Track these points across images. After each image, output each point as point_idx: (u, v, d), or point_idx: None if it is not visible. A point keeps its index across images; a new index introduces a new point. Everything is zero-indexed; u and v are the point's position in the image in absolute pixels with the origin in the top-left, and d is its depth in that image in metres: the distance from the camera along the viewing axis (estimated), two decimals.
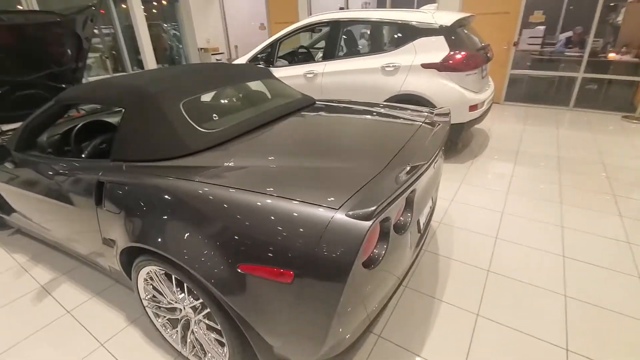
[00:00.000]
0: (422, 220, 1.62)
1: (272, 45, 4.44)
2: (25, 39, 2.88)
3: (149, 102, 1.59)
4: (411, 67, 3.38)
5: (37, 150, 2.06)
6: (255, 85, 2.32)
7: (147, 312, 1.61)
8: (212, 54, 8.20)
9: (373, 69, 3.59)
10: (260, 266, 1.07)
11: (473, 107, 3.35)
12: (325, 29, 4.19)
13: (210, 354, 1.45)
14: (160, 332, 1.61)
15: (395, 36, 3.56)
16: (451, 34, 3.30)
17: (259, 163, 1.39)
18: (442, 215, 2.66)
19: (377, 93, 3.62)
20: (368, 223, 0.99)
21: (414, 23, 3.40)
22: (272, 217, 1.08)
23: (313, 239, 1.01)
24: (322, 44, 4.53)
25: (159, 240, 1.24)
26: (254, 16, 9.12)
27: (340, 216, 1.01)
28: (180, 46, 8.75)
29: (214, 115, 1.79)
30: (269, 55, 4.45)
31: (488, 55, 3.73)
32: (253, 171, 1.33)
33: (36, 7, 5.88)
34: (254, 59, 4.65)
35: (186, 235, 1.20)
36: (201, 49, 8.23)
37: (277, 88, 2.36)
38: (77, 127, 2.18)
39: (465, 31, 3.60)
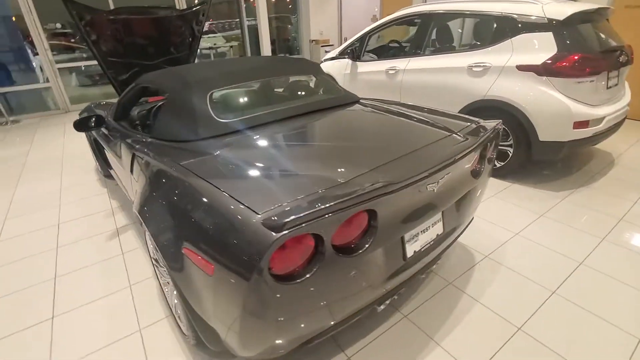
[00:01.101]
0: (416, 249, 1.40)
1: (362, 39, 4.35)
2: (152, 31, 3.52)
3: (183, 91, 1.79)
4: (504, 69, 2.86)
5: (126, 122, 2.55)
6: (296, 79, 2.34)
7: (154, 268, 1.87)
8: (322, 46, 8.51)
9: (458, 68, 3.17)
10: (195, 252, 1.12)
11: (581, 124, 2.65)
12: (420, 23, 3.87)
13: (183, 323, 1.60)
14: (161, 287, 1.84)
15: (492, 31, 3.04)
16: (564, 30, 2.64)
17: (241, 155, 1.43)
18: (493, 247, 2.22)
19: (458, 97, 3.20)
20: (274, 235, 0.92)
21: (516, 16, 2.84)
22: (212, 208, 1.10)
23: (232, 238, 1.00)
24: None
25: (145, 210, 1.42)
26: (370, 7, 9.04)
27: (256, 222, 0.97)
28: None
29: (237, 106, 1.89)
30: (358, 49, 4.39)
31: (621, 59, 2.86)
32: (228, 162, 1.38)
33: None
34: (343, 52, 4.65)
35: (158, 210, 1.33)
36: (312, 40, 8.63)
37: (320, 84, 2.33)
38: (152, 107, 2.61)
39: (591, 28, 2.83)
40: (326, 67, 5.01)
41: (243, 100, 2.13)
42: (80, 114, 3.36)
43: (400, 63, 3.75)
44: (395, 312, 1.77)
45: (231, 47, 7.93)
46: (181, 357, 1.59)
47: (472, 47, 3.18)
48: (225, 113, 1.82)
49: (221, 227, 1.05)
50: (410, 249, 1.39)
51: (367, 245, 1.16)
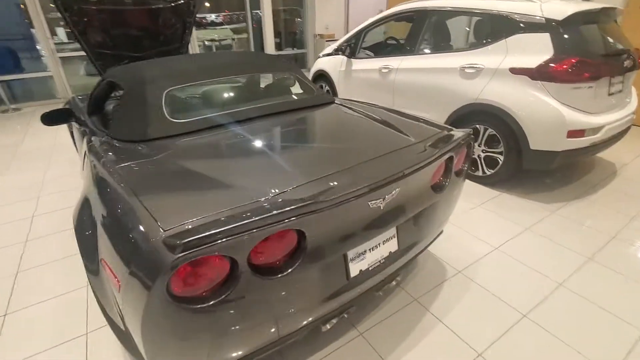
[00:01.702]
0: (363, 268, 1.30)
1: (358, 35, 4.21)
2: (142, 22, 3.46)
3: (137, 87, 1.70)
4: (496, 71, 2.69)
5: (97, 117, 2.49)
6: (265, 77, 2.24)
7: None
8: (327, 41, 8.34)
9: (450, 69, 3.01)
10: (107, 263, 1.04)
11: (576, 133, 2.47)
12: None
13: None
14: None
15: (486, 31, 2.86)
16: (563, 31, 2.46)
17: (181, 160, 1.34)
18: (468, 262, 2.10)
19: (448, 99, 3.05)
20: (171, 256, 0.83)
21: (512, 14, 2.66)
22: (124, 219, 1.02)
23: (135, 254, 0.92)
24: None
25: (77, 215, 1.35)
26: (379, 1, 8.79)
27: (158, 239, 0.88)
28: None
29: (195, 105, 1.81)
30: (353, 46, 4.24)
31: (626, 63, 2.65)
32: (164, 167, 1.30)
33: None
34: (338, 49, 4.51)
35: (86, 215, 1.26)
36: (317, 35, 8.47)
37: (290, 84, 2.22)
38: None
39: (597, 29, 2.63)
40: (321, 63, 4.88)
41: (203, 99, 2.04)
42: (63, 106, 3.33)
43: (393, 62, 3.60)
44: (351, 329, 1.68)
45: (233, 39, 7.84)
46: None
47: (465, 47, 3.01)
48: (181, 113, 1.73)
49: (128, 241, 0.96)
50: (355, 268, 1.29)
51: (295, 266, 1.07)
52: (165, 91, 1.71)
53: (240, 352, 1.13)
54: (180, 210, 1.00)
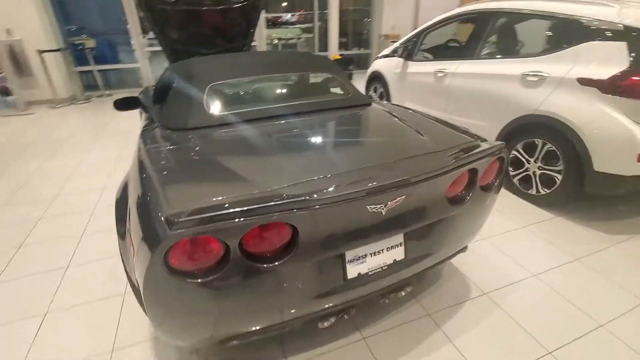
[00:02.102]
0: (362, 271, 1.30)
1: (417, 36, 4.09)
2: (211, 21, 3.78)
3: (185, 81, 1.90)
4: (562, 81, 2.43)
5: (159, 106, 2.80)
6: (306, 77, 2.30)
7: None
8: (391, 42, 8.18)
9: (510, 76, 2.78)
10: (129, 234, 1.21)
11: None
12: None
13: None
14: None
15: (555, 35, 2.59)
16: None
17: (206, 149, 1.48)
18: (497, 285, 1.94)
19: (505, 109, 2.83)
20: (168, 231, 0.95)
21: (585, 19, 2.36)
22: (143, 196, 1.17)
23: (145, 228, 1.05)
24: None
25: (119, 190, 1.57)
26: (450, 3, 8.37)
27: (162, 215, 1.00)
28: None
29: (233, 100, 1.94)
30: (411, 47, 4.13)
31: None
32: (188, 154, 1.45)
33: None
34: (395, 51, 4.42)
35: (124, 193, 1.47)
36: (382, 35, 8.35)
37: (330, 84, 2.26)
38: None
39: None
40: (378, 64, 4.83)
41: (242, 95, 2.18)
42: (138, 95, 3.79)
43: (450, 65, 3.44)
44: (355, 332, 1.68)
45: (299, 38, 8.09)
46: None
47: (528, 53, 2.76)
48: (219, 106, 1.88)
49: (144, 215, 1.10)
50: (353, 270, 1.30)
51: (287, 259, 1.12)
52: (208, 86, 1.87)
53: (230, 331, 1.22)
54: (190, 194, 1.12)
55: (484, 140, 1.57)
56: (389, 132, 1.70)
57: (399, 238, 1.37)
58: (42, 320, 1.79)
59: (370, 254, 1.32)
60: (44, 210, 2.89)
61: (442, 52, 4.09)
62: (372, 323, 1.72)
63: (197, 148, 1.52)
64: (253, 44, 7.87)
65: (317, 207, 1.08)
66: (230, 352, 1.57)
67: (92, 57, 6.75)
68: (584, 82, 2.30)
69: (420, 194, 1.29)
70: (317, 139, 1.65)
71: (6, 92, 5.74)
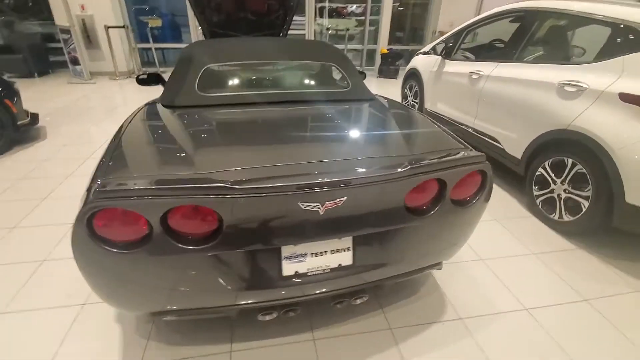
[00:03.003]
0: (300, 270, 1.25)
1: (457, 35, 3.79)
2: (250, 6, 3.86)
3: (186, 62, 1.95)
4: (602, 95, 2.09)
5: None
6: (309, 67, 2.24)
7: None
8: None
9: (546, 83, 2.47)
10: None
11: None
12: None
13: None
14: None
15: (602, 42, 2.22)
16: None
17: (180, 127, 1.52)
18: (479, 312, 1.76)
19: (534, 120, 2.53)
20: (90, 201, 0.99)
21: (637, 24, 2.00)
22: (100, 163, 1.22)
23: (84, 194, 1.10)
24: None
25: None
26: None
27: (94, 186, 1.03)
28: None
29: (225, 83, 1.95)
30: (451, 46, 3.85)
31: None
32: (160, 130, 1.50)
33: None
34: (432, 49, 4.15)
35: None
36: (437, 31, 7.89)
37: (332, 75, 2.18)
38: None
39: None
40: (416, 61, 4.59)
41: (235, 78, 2.18)
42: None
43: (485, 67, 3.14)
44: (308, 331, 1.63)
45: (347, 30, 7.93)
46: None
47: (570, 60, 2.42)
48: (211, 87, 1.91)
49: (90, 178, 1.15)
50: (290, 268, 1.25)
51: (209, 244, 1.11)
52: (204, 67, 1.90)
53: (161, 305, 1.24)
54: (129, 168, 1.15)
55: (470, 150, 1.40)
56: (365, 130, 1.60)
57: (347, 242, 1.28)
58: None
59: (311, 254, 1.26)
60: (75, 168, 3.19)
61: (482, 52, 3.76)
62: (328, 326, 1.66)
63: (172, 125, 1.56)
64: (302, 32, 7.89)
65: (238, 196, 1.04)
66: (178, 326, 1.61)
67: (152, 36, 7.25)
68: (626, 98, 1.96)
69: (367, 198, 1.19)
70: (288, 129, 1.61)
71: (75, 61, 6.40)
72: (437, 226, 1.38)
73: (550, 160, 2.44)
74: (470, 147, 1.43)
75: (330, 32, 7.94)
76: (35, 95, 5.68)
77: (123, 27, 6.68)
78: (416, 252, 1.43)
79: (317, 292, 1.34)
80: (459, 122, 3.54)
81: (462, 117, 3.51)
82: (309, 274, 1.27)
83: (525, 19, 2.91)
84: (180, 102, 1.79)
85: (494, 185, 2.97)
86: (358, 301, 1.50)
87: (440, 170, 1.24)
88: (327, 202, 1.13)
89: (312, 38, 8.04)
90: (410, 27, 9.78)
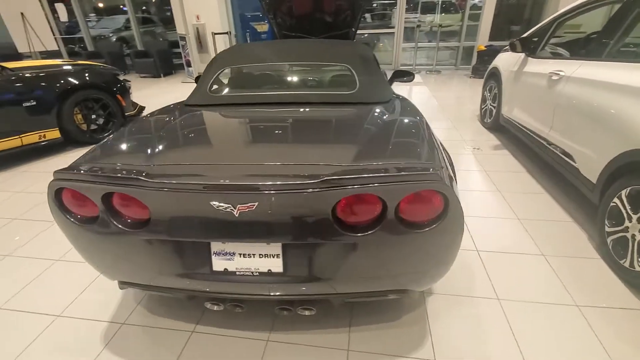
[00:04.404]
0: (229, 268, 1.29)
1: (546, 27, 3.16)
2: (319, 9, 4.01)
3: (210, 64, 2.17)
4: None
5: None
6: (327, 69, 2.18)
7: None
8: (564, 34, 6.42)
9: (633, 88, 1.88)
10: None
11: None
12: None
13: None
14: None
15: None
16: None
17: (176, 125, 1.71)
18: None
19: (615, 136, 1.97)
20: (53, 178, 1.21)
21: None
22: None
23: None
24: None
25: None
26: None
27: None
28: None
29: (238, 84, 2.07)
30: (537, 40, 3.23)
31: None
32: (157, 125, 1.71)
33: None
34: (512, 45, 3.52)
35: None
36: None
37: (347, 76, 2.08)
38: None
39: None
40: (499, 59, 4.00)
41: (248, 80, 2.27)
42: None
43: (568, 66, 2.55)
44: (266, 331, 1.63)
45: (440, 25, 7.31)
46: None
47: None
48: (220, 88, 2.07)
49: None
50: (219, 264, 1.29)
51: (138, 230, 1.23)
52: (220, 69, 2.07)
53: (120, 276, 1.43)
54: (99, 156, 1.36)
55: (422, 169, 1.17)
56: (334, 137, 1.53)
57: (276, 248, 1.25)
58: None
59: (240, 254, 1.27)
60: None
61: (572, 48, 3.04)
62: (288, 331, 1.64)
63: (173, 122, 1.75)
64: (391, 31, 7.63)
65: (150, 188, 1.13)
66: (165, 299, 1.81)
67: (257, 40, 8.05)
68: None
69: (284, 206, 1.14)
70: (262, 131, 1.66)
71: (189, 64, 7.60)
72: (383, 248, 1.22)
73: (629, 189, 1.85)
74: (434, 165, 1.19)
75: (420, 28, 7.47)
76: (153, 92, 6.97)
77: (226, 33, 7.61)
78: (361, 272, 1.28)
79: (250, 293, 1.34)
80: (535, 132, 2.96)
81: (537, 126, 2.93)
82: (237, 273, 1.29)
83: (624, 5, 2.24)
84: (192, 101, 2.00)
85: (563, 215, 2.42)
86: (306, 312, 1.45)
87: (370, 185, 1.09)
88: (239, 205, 1.13)
89: (402, 35, 7.70)
90: (530, 19, 8.47)
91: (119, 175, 1.17)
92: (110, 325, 1.71)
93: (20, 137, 3.54)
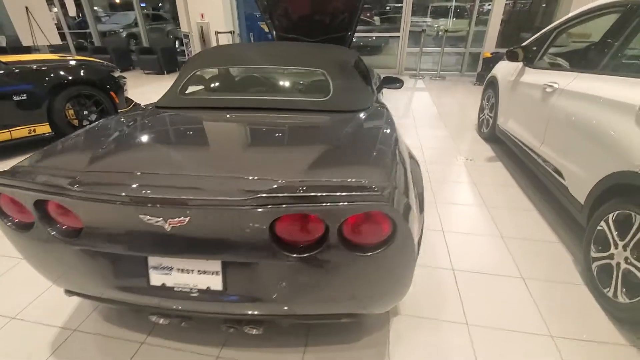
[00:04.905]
0: (168, 283, 1.22)
1: (546, 36, 3.03)
2: (315, 11, 3.94)
3: (186, 65, 2.10)
4: None
5: None
6: (305, 73, 2.11)
7: None
8: (572, 42, 6.21)
9: (623, 105, 1.76)
10: None
11: None
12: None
13: None
14: None
15: None
16: None
17: (136, 128, 1.65)
18: None
19: (605, 155, 1.84)
20: None
21: None
22: None
23: None
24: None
25: None
26: None
27: None
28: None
29: (210, 86, 2.01)
30: (536, 50, 3.10)
31: None
32: (120, 127, 1.65)
33: None
34: (509, 54, 3.39)
35: None
36: None
37: (322, 82, 2.00)
38: None
39: None
40: (498, 67, 3.87)
41: (220, 83, 2.20)
42: None
43: (562, 78, 2.43)
44: (219, 346, 1.56)
45: (446, 31, 7.16)
46: None
47: None
48: (190, 90, 2.01)
49: None
50: (157, 278, 1.22)
51: (72, 239, 1.17)
52: (193, 71, 2.01)
53: (61, 284, 1.37)
54: (42, 158, 1.31)
55: (373, 189, 1.07)
56: (292, 145, 1.46)
57: (215, 265, 1.18)
58: None
59: (178, 269, 1.20)
60: None
61: (571, 59, 2.91)
62: (241, 348, 1.56)
63: (132, 125, 1.69)
64: (396, 34, 7.50)
65: (80, 198, 1.07)
66: (112, 310, 1.76)
67: (261, 39, 8.01)
68: None
69: (218, 221, 1.06)
70: (217, 138, 1.60)
71: None
72: (327, 270, 1.13)
73: (616, 213, 1.73)
74: (383, 185, 1.09)
75: (426, 32, 7.34)
76: (154, 88, 6.97)
77: (230, 32, 7.59)
78: (307, 294, 1.20)
79: (190, 310, 1.27)
80: (527, 145, 2.84)
81: (529, 140, 2.81)
82: (175, 288, 1.22)
83: (623, 15, 2.12)
84: (161, 103, 1.94)
85: (550, 235, 2.30)
86: (254, 331, 1.36)
87: (307, 205, 1.01)
88: (169, 220, 1.06)
89: (407, 39, 7.57)
90: (540, 27, 8.28)
91: (48, 182, 1.11)
92: (62, 331, 1.66)
93: (9, 131, 3.54)
